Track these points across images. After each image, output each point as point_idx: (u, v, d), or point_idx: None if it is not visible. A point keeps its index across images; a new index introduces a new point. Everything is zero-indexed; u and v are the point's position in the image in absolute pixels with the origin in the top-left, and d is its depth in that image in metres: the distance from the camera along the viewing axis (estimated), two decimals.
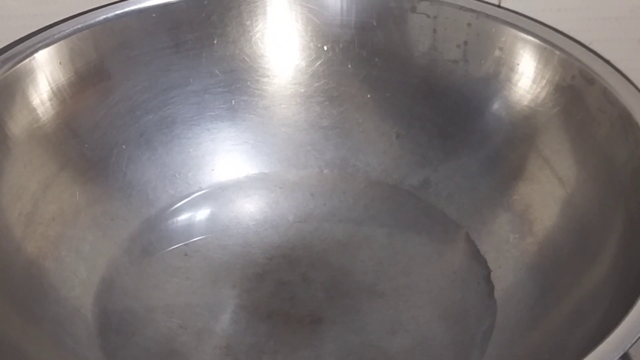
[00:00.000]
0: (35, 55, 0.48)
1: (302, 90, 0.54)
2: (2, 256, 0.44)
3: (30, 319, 0.43)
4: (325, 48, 0.54)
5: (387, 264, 0.50)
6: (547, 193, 0.48)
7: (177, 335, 0.46)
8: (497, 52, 0.50)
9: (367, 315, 0.47)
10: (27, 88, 0.48)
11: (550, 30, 0.49)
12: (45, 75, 0.48)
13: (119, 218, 0.50)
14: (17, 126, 0.47)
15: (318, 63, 0.54)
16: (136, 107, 0.52)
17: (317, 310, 0.48)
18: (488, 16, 0.50)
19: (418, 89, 0.53)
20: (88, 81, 0.50)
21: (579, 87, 0.47)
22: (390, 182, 0.53)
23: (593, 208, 0.45)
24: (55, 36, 0.49)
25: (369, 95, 0.54)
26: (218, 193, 0.53)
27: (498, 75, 0.51)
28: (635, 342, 0.35)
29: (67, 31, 0.49)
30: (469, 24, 0.51)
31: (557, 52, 0.48)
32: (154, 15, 0.51)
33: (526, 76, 0.50)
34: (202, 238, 0.51)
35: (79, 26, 0.49)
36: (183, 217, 0.52)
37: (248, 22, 0.53)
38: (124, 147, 0.51)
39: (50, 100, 0.49)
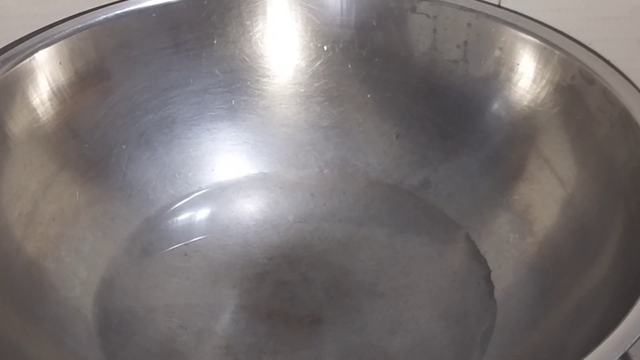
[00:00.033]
0: (35, 55, 0.48)
1: (302, 90, 0.54)
2: (2, 256, 0.44)
3: (30, 319, 0.43)
4: (325, 48, 0.54)
5: (387, 264, 0.50)
6: (547, 193, 0.48)
7: (177, 335, 0.46)
8: (497, 52, 0.50)
9: (367, 315, 0.47)
10: (27, 88, 0.48)
11: (550, 30, 0.49)
12: (45, 75, 0.48)
13: (119, 218, 0.50)
14: (17, 126, 0.47)
15: (318, 63, 0.54)
16: (136, 107, 0.52)
17: (317, 310, 0.48)
18: (488, 16, 0.50)
19: (418, 89, 0.53)
20: (88, 81, 0.50)
21: (579, 87, 0.47)
22: (390, 182, 0.53)
23: (593, 208, 0.45)
24: (55, 36, 0.49)
25: (369, 95, 0.54)
26: (218, 193, 0.53)
27: (498, 75, 0.51)
28: (635, 342, 0.35)
29: (67, 31, 0.49)
30: (469, 24, 0.51)
31: (557, 52, 0.48)
32: (154, 15, 0.51)
33: (526, 76, 0.50)
34: (202, 238, 0.51)
35: (79, 26, 0.49)
36: (183, 217, 0.52)
37: (248, 22, 0.53)
38: (124, 147, 0.51)
39: (50, 100, 0.49)
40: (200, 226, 0.52)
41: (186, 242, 0.51)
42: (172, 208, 0.52)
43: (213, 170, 0.54)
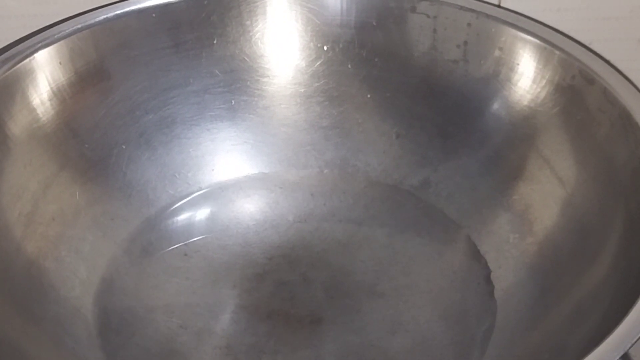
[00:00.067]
0: (35, 55, 0.48)
1: (302, 90, 0.54)
2: (2, 256, 0.44)
3: (30, 319, 0.43)
4: (325, 48, 0.54)
5: (387, 264, 0.50)
6: (547, 193, 0.48)
7: (177, 335, 0.46)
8: (497, 52, 0.50)
9: (367, 315, 0.47)
10: (27, 88, 0.48)
11: (550, 30, 0.49)
12: (45, 75, 0.48)
13: (119, 218, 0.50)
14: (17, 126, 0.47)
15: (318, 63, 0.54)
16: (136, 107, 0.52)
17: (317, 310, 0.48)
18: (488, 16, 0.50)
19: (418, 89, 0.53)
20: (88, 81, 0.50)
21: (579, 87, 0.47)
22: (390, 182, 0.53)
23: (593, 208, 0.45)
24: (55, 36, 0.49)
25: (369, 95, 0.54)
26: (218, 193, 0.53)
27: (498, 75, 0.51)
28: (635, 342, 0.35)
29: (67, 31, 0.49)
30: (469, 24, 0.51)
31: (557, 52, 0.48)
32: (154, 15, 0.51)
33: (526, 76, 0.50)
34: (202, 238, 0.51)
35: (79, 26, 0.49)
36: (183, 217, 0.52)
37: (248, 22, 0.53)
38: (124, 147, 0.51)
39: (50, 100, 0.49)
40: (200, 226, 0.52)
41: (186, 242, 0.51)
42: (172, 208, 0.52)
43: (213, 170, 0.54)
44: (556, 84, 0.48)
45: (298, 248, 0.51)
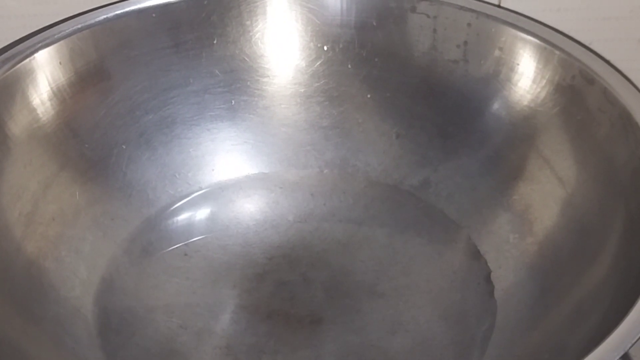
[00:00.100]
0: (35, 55, 0.48)
1: (302, 90, 0.54)
2: (2, 256, 0.44)
3: (30, 319, 0.43)
4: (325, 48, 0.54)
5: (387, 264, 0.50)
6: (547, 193, 0.48)
7: (177, 335, 0.46)
8: (497, 52, 0.50)
9: (367, 315, 0.47)
10: (27, 88, 0.48)
11: (550, 30, 0.49)
12: (45, 75, 0.48)
13: (119, 218, 0.50)
14: (17, 126, 0.47)
15: (318, 63, 0.54)
16: (136, 107, 0.52)
17: (317, 310, 0.48)
18: (488, 16, 0.50)
19: (418, 89, 0.53)
20: (88, 81, 0.50)
21: (579, 87, 0.47)
22: (390, 182, 0.53)
23: (593, 208, 0.45)
24: (55, 36, 0.49)
25: (369, 95, 0.54)
26: (218, 193, 0.53)
27: (498, 75, 0.51)
28: (636, 342, 0.35)
29: (67, 31, 0.49)
30: (469, 24, 0.51)
31: (557, 52, 0.48)
32: (154, 15, 0.51)
33: (526, 76, 0.50)
34: (202, 238, 0.51)
35: (79, 26, 0.49)
36: (183, 217, 0.52)
37: (248, 22, 0.53)
38: (124, 147, 0.51)
39: (50, 100, 0.49)
40: (200, 226, 0.52)
41: (186, 242, 0.51)
42: (172, 208, 0.52)
43: (213, 170, 0.54)
44: (556, 84, 0.48)
45: (298, 248, 0.51)
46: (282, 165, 0.54)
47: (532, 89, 0.49)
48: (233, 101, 0.54)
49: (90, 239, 0.49)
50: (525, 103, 0.50)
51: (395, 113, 0.54)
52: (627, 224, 0.43)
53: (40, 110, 0.48)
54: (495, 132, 0.51)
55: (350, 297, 0.48)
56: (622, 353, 0.35)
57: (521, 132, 0.50)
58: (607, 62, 0.47)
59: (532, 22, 0.50)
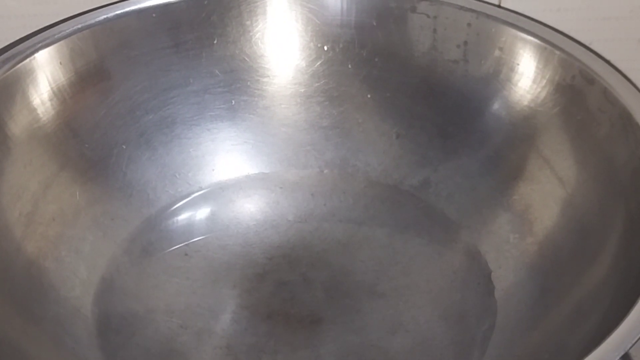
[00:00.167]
0: (36, 55, 0.48)
1: (302, 90, 0.54)
2: (2, 256, 0.44)
3: (30, 319, 0.43)
4: (325, 48, 0.54)
5: (387, 264, 0.50)
6: (547, 193, 0.48)
7: (177, 335, 0.46)
8: (497, 52, 0.50)
9: (367, 315, 0.47)
10: (27, 88, 0.48)
11: (550, 30, 0.49)
12: (45, 75, 0.48)
13: (119, 218, 0.50)
14: (17, 126, 0.47)
15: (318, 63, 0.54)
16: (136, 107, 0.52)
17: (317, 310, 0.48)
18: (488, 16, 0.50)
19: (418, 89, 0.53)
20: (88, 81, 0.50)
21: (579, 87, 0.47)
22: (390, 182, 0.53)
23: (593, 208, 0.45)
24: (56, 36, 0.49)
25: (369, 95, 0.54)
26: (218, 193, 0.53)
27: (498, 75, 0.51)
28: (636, 342, 0.35)
29: (67, 31, 0.49)
30: (469, 24, 0.51)
31: (557, 52, 0.48)
32: (154, 15, 0.51)
33: (526, 76, 0.50)
34: (202, 238, 0.51)
35: (79, 26, 0.49)
36: (183, 217, 0.52)
37: (248, 22, 0.53)
38: (124, 147, 0.51)
39: (50, 100, 0.49)
40: (201, 226, 0.52)
41: (186, 242, 0.51)
42: (172, 208, 0.52)
43: (213, 170, 0.54)
44: (556, 84, 0.48)
45: (298, 248, 0.51)
46: (282, 165, 0.54)
47: (532, 89, 0.49)
48: (233, 101, 0.54)
49: (90, 239, 0.49)
50: (525, 103, 0.50)
51: (395, 113, 0.54)
52: (627, 224, 0.43)
53: (40, 110, 0.48)
54: (495, 132, 0.51)
55: (350, 297, 0.48)
56: (622, 353, 0.35)
57: (521, 132, 0.50)
58: (607, 62, 0.47)
59: (532, 22, 0.50)
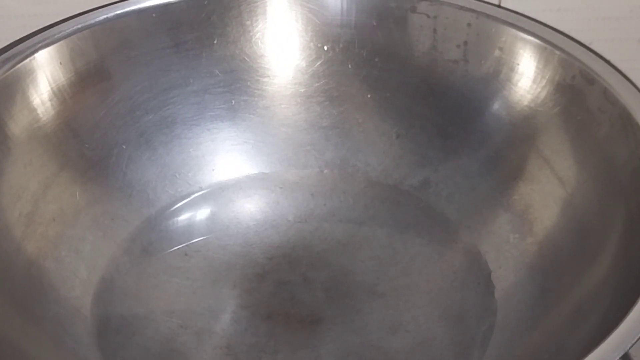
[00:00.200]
0: (36, 55, 0.48)
1: (302, 90, 0.54)
2: (2, 256, 0.44)
3: (30, 319, 0.43)
4: (325, 48, 0.54)
5: (387, 264, 0.50)
6: (547, 193, 0.48)
7: (177, 335, 0.46)
8: (497, 52, 0.50)
9: (367, 315, 0.47)
10: (27, 88, 0.48)
11: (550, 30, 0.49)
12: (45, 75, 0.48)
13: (119, 218, 0.50)
14: (17, 126, 0.47)
15: (318, 63, 0.54)
16: (136, 107, 0.52)
17: (317, 310, 0.48)
18: (488, 16, 0.50)
19: (418, 89, 0.53)
20: (88, 81, 0.50)
21: (579, 87, 0.47)
22: (390, 182, 0.53)
23: (593, 208, 0.45)
24: (56, 36, 0.49)
25: (369, 95, 0.54)
26: (218, 193, 0.53)
27: (498, 75, 0.51)
28: (636, 342, 0.35)
29: (67, 31, 0.49)
30: (469, 24, 0.51)
31: (557, 52, 0.48)
32: (154, 15, 0.51)
33: (526, 76, 0.50)
34: (202, 238, 0.51)
35: (79, 26, 0.49)
36: (183, 217, 0.52)
37: (248, 22, 0.53)
38: (124, 147, 0.51)
39: (50, 100, 0.49)
40: (201, 226, 0.52)
41: (186, 242, 0.51)
42: (172, 208, 0.52)
43: (213, 170, 0.54)
44: (556, 84, 0.48)
45: (298, 248, 0.51)
46: (282, 165, 0.54)
47: (532, 89, 0.49)
48: (233, 101, 0.54)
49: (90, 239, 0.49)
50: (526, 103, 0.50)
51: (395, 113, 0.54)
52: (627, 224, 0.43)
53: (40, 110, 0.48)
54: (495, 132, 0.51)
55: (350, 297, 0.48)
56: (622, 353, 0.35)
57: (521, 132, 0.50)
58: (607, 62, 0.47)
59: (532, 22, 0.50)
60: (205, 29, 0.52)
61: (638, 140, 0.43)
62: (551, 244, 0.47)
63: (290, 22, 0.54)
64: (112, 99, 0.51)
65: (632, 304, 0.36)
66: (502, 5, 0.53)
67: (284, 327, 0.47)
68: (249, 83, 0.54)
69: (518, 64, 0.50)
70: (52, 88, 0.49)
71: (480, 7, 0.51)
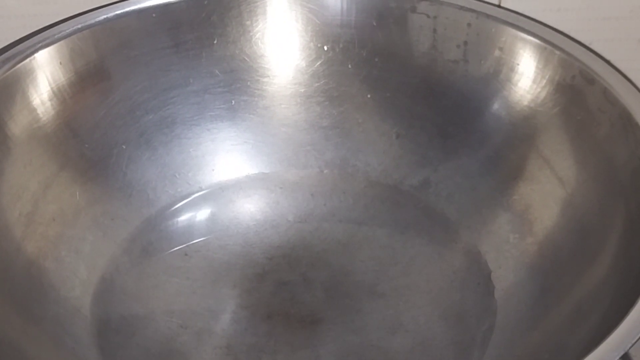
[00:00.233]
0: (36, 55, 0.48)
1: (302, 90, 0.54)
2: (2, 256, 0.44)
3: (30, 319, 0.43)
4: (325, 48, 0.54)
5: (387, 264, 0.50)
6: (547, 193, 0.48)
7: (177, 335, 0.46)
8: (497, 52, 0.50)
9: (367, 315, 0.47)
10: (27, 88, 0.48)
11: (550, 30, 0.49)
12: (45, 75, 0.48)
13: (119, 218, 0.50)
14: (17, 126, 0.47)
15: (318, 63, 0.54)
16: (136, 107, 0.52)
17: (317, 310, 0.48)
18: (488, 16, 0.50)
19: (418, 89, 0.53)
20: (88, 81, 0.50)
21: (579, 87, 0.47)
22: (390, 182, 0.53)
23: (593, 208, 0.45)
24: (56, 36, 0.49)
25: (369, 95, 0.54)
26: (218, 193, 0.53)
27: (498, 75, 0.51)
28: (636, 342, 0.35)
29: (67, 31, 0.49)
30: (469, 24, 0.51)
31: (557, 52, 0.48)
32: (154, 15, 0.51)
33: (526, 76, 0.50)
34: (202, 238, 0.51)
35: (79, 26, 0.49)
36: (183, 217, 0.52)
37: (248, 22, 0.53)
38: (124, 147, 0.51)
39: (50, 100, 0.49)
40: (201, 226, 0.52)
41: (186, 243, 0.51)
42: (172, 208, 0.52)
43: (213, 170, 0.54)
44: (556, 84, 0.48)
45: (298, 248, 0.51)
46: (282, 165, 0.54)
47: (532, 89, 0.49)
48: (233, 101, 0.54)
49: (90, 239, 0.49)
50: (525, 103, 0.50)
51: (395, 113, 0.54)
52: (627, 224, 0.43)
53: (40, 110, 0.48)
54: (495, 132, 0.51)
55: (350, 297, 0.48)
56: (622, 353, 0.35)
57: (521, 132, 0.50)
58: (607, 62, 0.47)
59: (532, 22, 0.50)
60: (205, 29, 0.52)
61: (638, 140, 0.43)
62: (551, 244, 0.47)
63: (290, 22, 0.54)
64: (112, 99, 0.51)
65: (632, 304, 0.36)
66: (502, 5, 0.53)
67: (284, 327, 0.47)
68: (249, 83, 0.54)
69: (518, 64, 0.50)
70: (52, 88, 0.49)
71: (480, 7, 0.51)
